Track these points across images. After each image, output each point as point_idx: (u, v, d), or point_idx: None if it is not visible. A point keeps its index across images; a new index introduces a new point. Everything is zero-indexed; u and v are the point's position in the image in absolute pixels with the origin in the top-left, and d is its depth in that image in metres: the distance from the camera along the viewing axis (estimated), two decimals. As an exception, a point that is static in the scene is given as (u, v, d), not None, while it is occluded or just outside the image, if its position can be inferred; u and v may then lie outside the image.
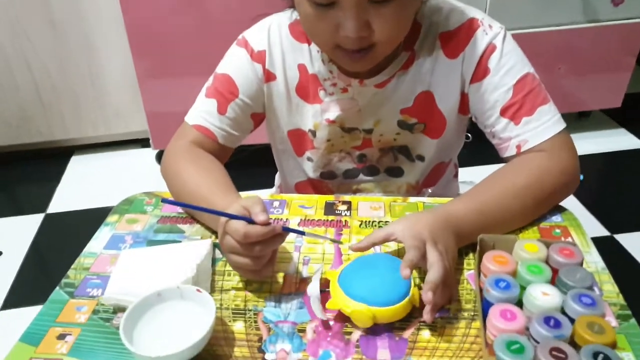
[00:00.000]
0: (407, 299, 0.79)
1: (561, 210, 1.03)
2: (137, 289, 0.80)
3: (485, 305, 0.78)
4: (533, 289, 0.76)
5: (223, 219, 0.81)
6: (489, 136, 1.05)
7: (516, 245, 0.85)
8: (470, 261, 0.93)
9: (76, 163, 2.70)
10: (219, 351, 0.78)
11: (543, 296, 0.74)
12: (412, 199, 1.07)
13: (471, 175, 1.30)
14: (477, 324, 0.81)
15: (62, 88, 2.61)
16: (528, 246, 0.84)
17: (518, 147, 0.99)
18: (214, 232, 1.00)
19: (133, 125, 2.71)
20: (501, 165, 1.01)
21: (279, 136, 1.14)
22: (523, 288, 0.78)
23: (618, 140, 2.68)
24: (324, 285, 0.85)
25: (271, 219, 0.82)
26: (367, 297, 0.79)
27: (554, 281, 0.79)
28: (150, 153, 2.64)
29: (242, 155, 1.28)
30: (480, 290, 0.83)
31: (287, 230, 0.84)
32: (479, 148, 1.31)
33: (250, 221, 0.79)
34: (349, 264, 0.86)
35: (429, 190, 1.18)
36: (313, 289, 0.82)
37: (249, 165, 1.99)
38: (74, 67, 2.58)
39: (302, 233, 0.89)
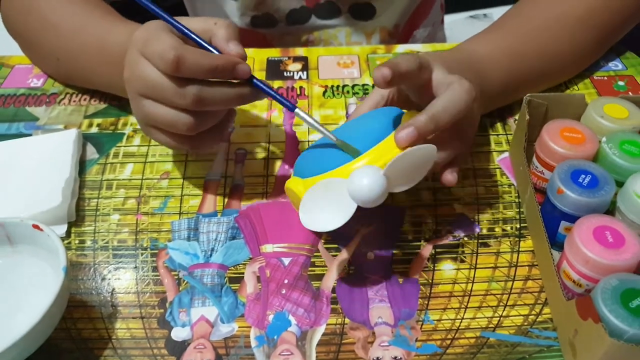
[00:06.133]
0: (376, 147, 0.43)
1: (620, 52, 0.68)
2: None
3: (551, 216, 0.45)
4: (636, 183, 0.43)
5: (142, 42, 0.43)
6: None
7: (590, 109, 0.51)
8: (500, 138, 0.58)
9: None
10: (84, 333, 0.44)
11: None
12: (400, 48, 0.70)
13: (462, 26, 0.92)
14: (529, 244, 0.49)
15: None
16: (611, 108, 0.50)
17: None
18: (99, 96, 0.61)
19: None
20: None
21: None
22: (617, 183, 0.45)
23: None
24: None
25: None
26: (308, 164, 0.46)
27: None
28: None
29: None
30: (536, 188, 0.50)
31: (258, 87, 0.45)
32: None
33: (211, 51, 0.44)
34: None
35: (425, 32, 0.80)
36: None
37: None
38: None
39: (290, 107, 0.45)
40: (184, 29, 0.44)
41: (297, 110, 0.45)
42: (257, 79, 0.44)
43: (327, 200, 0.41)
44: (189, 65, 0.41)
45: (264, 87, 0.45)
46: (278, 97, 0.45)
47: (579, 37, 0.59)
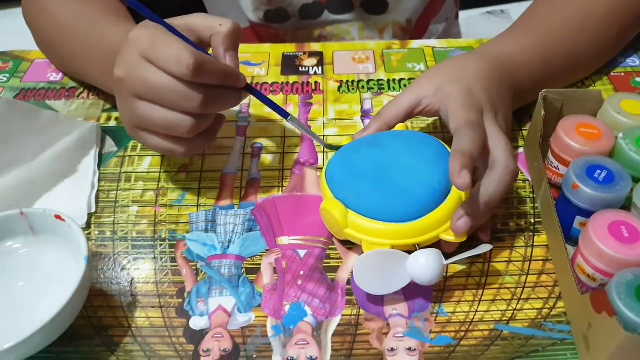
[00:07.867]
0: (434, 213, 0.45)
1: (638, 48, 0.68)
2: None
3: (565, 212, 0.45)
4: (653, 178, 0.43)
5: (135, 44, 0.43)
6: None
7: (606, 104, 0.51)
8: (515, 134, 0.59)
9: None
10: (105, 321, 0.45)
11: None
12: (415, 43, 0.70)
13: (478, 21, 0.91)
14: (543, 238, 0.49)
15: None
16: (628, 104, 0.50)
17: None
18: (110, 100, 0.62)
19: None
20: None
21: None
22: (633, 179, 0.45)
23: None
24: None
25: None
26: (361, 200, 0.46)
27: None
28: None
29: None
30: (551, 183, 0.50)
31: (252, 91, 0.48)
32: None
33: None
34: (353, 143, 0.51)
35: (440, 27, 0.80)
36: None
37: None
38: None
39: (284, 114, 0.51)
40: (178, 33, 0.44)
41: (290, 117, 0.50)
42: (253, 87, 0.49)
43: (382, 264, 0.44)
44: (207, 70, 0.42)
45: (260, 94, 0.48)
46: (272, 104, 0.50)
47: (603, 36, 0.59)
